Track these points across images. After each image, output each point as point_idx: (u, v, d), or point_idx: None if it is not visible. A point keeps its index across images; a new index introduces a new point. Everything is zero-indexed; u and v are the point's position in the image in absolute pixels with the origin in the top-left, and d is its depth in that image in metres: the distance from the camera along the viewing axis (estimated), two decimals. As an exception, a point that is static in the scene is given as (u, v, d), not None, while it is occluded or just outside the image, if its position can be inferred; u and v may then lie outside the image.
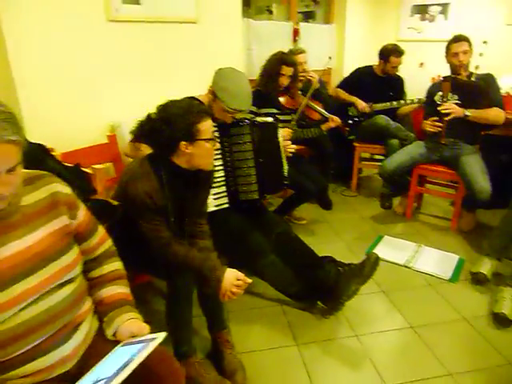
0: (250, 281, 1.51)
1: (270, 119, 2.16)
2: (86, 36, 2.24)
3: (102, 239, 1.20)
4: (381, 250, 2.72)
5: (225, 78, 1.92)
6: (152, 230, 1.48)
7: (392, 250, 2.74)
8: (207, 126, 1.45)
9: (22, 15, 1.99)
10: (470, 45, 2.82)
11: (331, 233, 3.01)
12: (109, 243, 1.23)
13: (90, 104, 2.38)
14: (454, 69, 2.87)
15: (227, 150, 2.02)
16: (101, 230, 1.21)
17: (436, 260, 2.60)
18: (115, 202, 1.50)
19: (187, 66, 2.75)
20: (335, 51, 4.70)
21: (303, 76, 3.10)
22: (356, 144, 3.61)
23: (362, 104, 3.49)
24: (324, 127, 2.88)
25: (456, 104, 2.77)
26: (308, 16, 4.84)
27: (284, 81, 2.68)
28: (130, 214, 1.49)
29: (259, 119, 2.09)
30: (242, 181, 2.06)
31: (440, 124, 2.81)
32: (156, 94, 2.07)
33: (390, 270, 2.53)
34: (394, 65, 3.44)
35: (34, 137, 1.97)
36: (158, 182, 1.45)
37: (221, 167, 2.04)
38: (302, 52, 3.24)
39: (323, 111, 2.93)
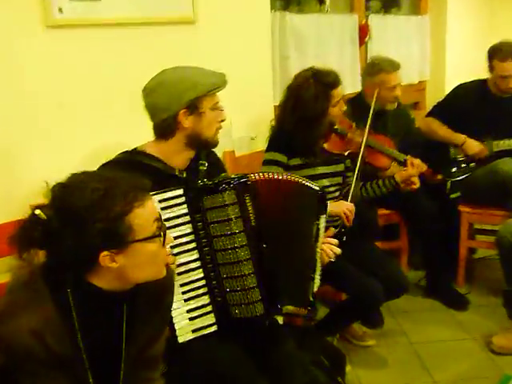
0: None
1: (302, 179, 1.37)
2: (12, 49, 1.52)
3: None
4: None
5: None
6: None
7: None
8: (147, 214, 0.88)
9: None
10: None
11: (415, 365, 1.91)
12: None
13: (13, 160, 1.58)
14: None
15: (202, 233, 1.24)
16: None
17: None
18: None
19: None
20: (430, 56, 3.61)
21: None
22: (463, 208, 2.46)
23: (474, 146, 2.44)
24: (399, 177, 1.89)
25: None
26: (388, 5, 3.59)
27: (337, 113, 1.81)
28: (7, 365, 0.95)
29: (254, 176, 1.27)
30: (233, 285, 1.26)
31: None
32: (127, 135, 1.47)
33: None
34: (501, 73, 2.39)
35: None
36: (59, 315, 0.90)
37: (197, 263, 1.25)
38: (397, 68, 2.35)
39: (395, 151, 1.98)
